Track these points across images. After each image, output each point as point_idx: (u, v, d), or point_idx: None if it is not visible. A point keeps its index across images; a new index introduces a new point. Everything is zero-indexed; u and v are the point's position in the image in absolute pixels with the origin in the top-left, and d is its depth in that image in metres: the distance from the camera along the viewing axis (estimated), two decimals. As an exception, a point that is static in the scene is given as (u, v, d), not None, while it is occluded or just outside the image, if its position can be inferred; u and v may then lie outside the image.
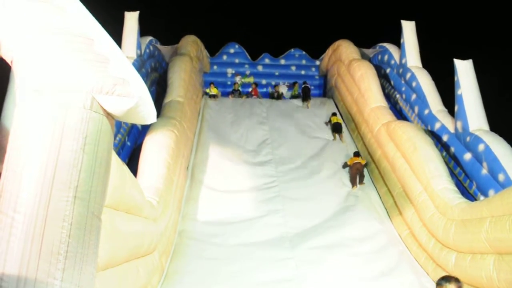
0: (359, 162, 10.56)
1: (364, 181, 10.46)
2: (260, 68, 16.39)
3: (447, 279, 3.91)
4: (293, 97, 15.34)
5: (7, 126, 4.40)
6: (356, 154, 11.07)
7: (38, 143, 3.01)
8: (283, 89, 15.58)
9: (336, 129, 12.65)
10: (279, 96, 14.87)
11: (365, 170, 10.75)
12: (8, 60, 3.17)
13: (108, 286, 4.02)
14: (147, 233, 5.63)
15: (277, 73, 16.32)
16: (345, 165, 10.96)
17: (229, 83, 16.06)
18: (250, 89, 15.69)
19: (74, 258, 2.98)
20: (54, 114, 3.06)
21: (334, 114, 13.21)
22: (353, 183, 10.37)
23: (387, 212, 9.54)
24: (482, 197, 7.99)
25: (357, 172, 10.42)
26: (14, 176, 2.98)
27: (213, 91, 14.79)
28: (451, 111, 10.00)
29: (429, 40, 13.22)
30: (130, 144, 10.15)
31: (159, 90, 13.06)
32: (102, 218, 3.40)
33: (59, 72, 3.10)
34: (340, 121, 12.96)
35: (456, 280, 3.88)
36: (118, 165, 3.95)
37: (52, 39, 3.08)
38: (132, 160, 9.59)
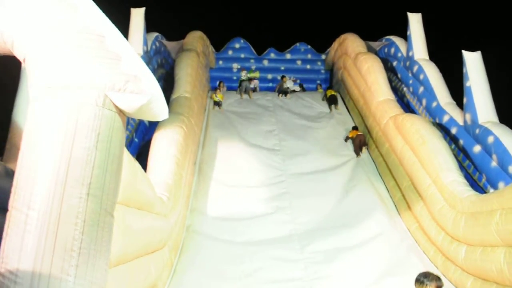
0: (362, 134, 11.47)
1: (367, 148, 11.37)
2: (265, 62, 16.33)
3: (429, 277, 3.77)
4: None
5: (20, 123, 4.44)
6: (355, 128, 11.89)
7: (51, 140, 3.03)
8: (289, 83, 15.50)
9: (332, 101, 13.54)
10: (286, 91, 14.57)
11: (372, 160, 11.16)
12: (21, 58, 3.18)
13: (120, 282, 4.04)
14: (158, 229, 5.66)
15: (282, 68, 16.24)
16: (347, 138, 11.76)
17: (234, 78, 16.00)
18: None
19: (88, 255, 3.01)
20: (67, 111, 3.07)
21: (330, 87, 14.08)
22: (357, 152, 11.27)
23: (395, 206, 9.50)
24: (492, 190, 7.94)
25: (360, 143, 11.28)
26: (28, 173, 3.00)
27: (219, 96, 13.50)
28: (460, 104, 9.94)
29: (436, 32, 13.11)
30: (137, 140, 10.18)
31: (165, 86, 13.05)
32: (115, 215, 3.42)
33: (71, 69, 3.11)
34: (335, 93, 13.81)
35: (438, 279, 3.76)
36: (130, 162, 3.96)
37: (64, 37, 3.09)
38: (140, 156, 9.61)
